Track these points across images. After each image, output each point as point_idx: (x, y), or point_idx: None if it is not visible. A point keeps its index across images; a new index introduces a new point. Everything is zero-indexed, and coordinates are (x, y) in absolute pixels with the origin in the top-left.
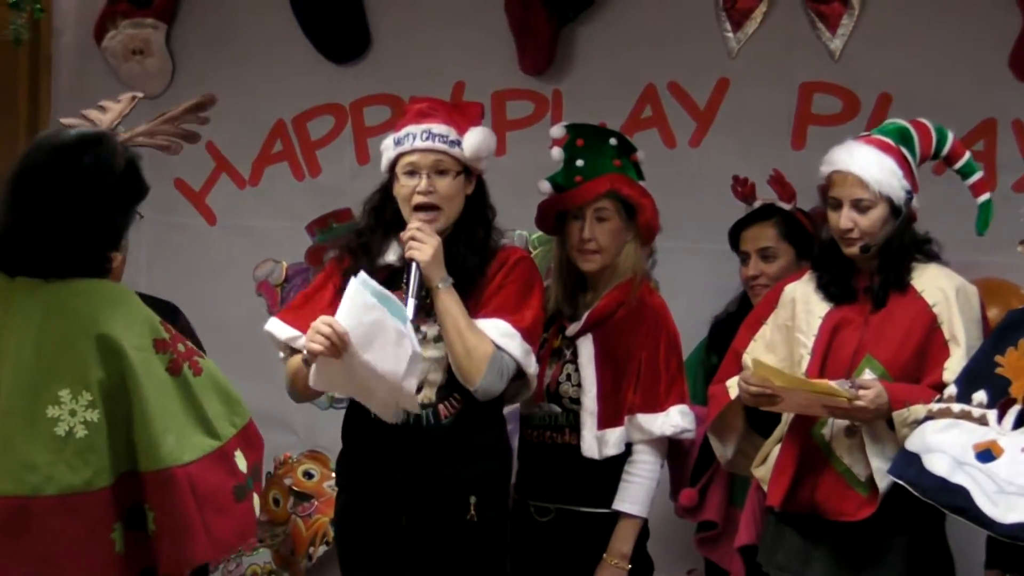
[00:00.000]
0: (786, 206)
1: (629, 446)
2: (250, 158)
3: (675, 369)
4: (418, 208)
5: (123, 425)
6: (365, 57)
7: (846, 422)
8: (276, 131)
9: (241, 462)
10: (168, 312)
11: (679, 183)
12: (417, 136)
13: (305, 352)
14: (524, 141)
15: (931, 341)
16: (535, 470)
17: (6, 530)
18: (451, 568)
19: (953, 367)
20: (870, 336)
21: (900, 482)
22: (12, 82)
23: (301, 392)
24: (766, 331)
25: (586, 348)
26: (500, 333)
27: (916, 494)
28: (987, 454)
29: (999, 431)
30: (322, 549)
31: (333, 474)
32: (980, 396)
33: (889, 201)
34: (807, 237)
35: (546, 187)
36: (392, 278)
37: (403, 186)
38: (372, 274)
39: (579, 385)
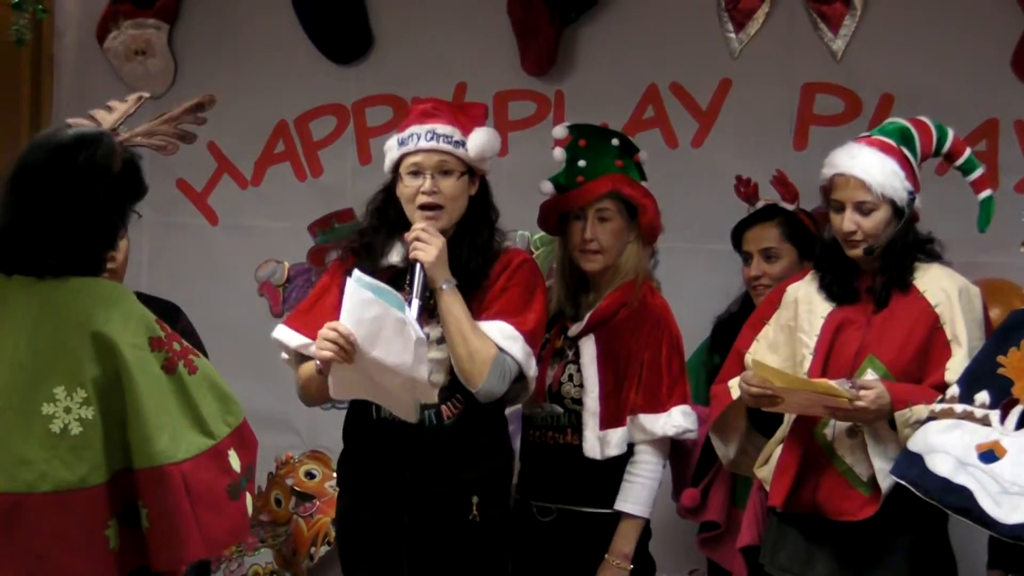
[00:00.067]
0: (789, 206)
1: (631, 446)
2: (252, 158)
3: (677, 369)
4: (422, 208)
5: (118, 422)
6: (367, 57)
7: (848, 422)
8: (278, 131)
9: (235, 461)
10: (169, 312)
11: (681, 183)
12: (422, 136)
13: (318, 362)
14: (526, 142)
15: (933, 341)
16: (537, 470)
17: (1, 526)
18: (453, 568)
19: (955, 367)
20: (872, 336)
21: (903, 483)
22: (15, 82)
23: (314, 397)
24: (769, 331)
25: (588, 348)
26: (503, 335)
27: (919, 495)
28: (990, 455)
29: (1002, 431)
30: (324, 549)
31: (335, 474)
32: (983, 396)
33: (892, 203)
34: (809, 237)
35: (548, 187)
36: (395, 279)
37: (407, 186)
38: (375, 275)
39: (581, 385)
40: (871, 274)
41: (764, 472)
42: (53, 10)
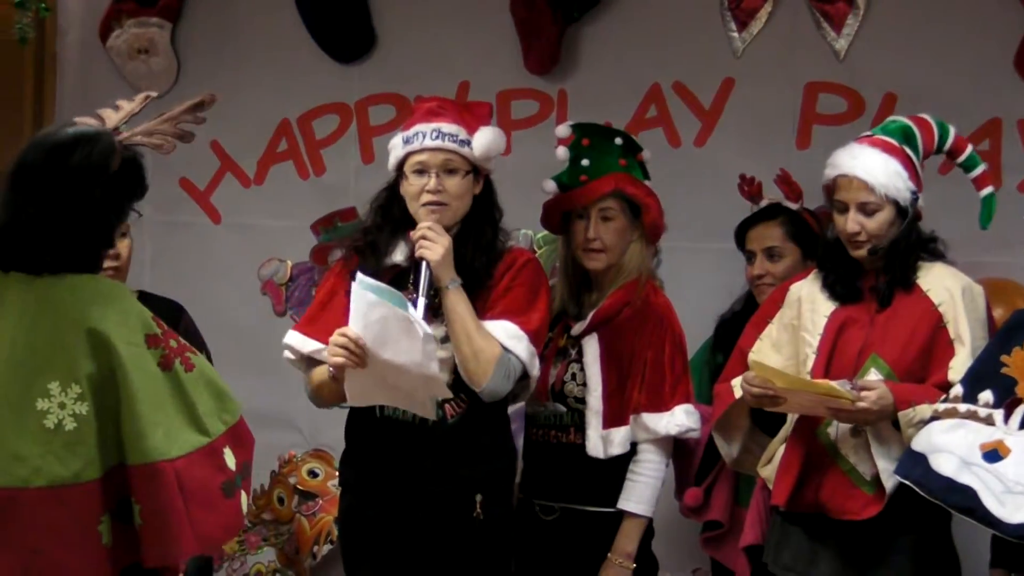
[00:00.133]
0: (792, 205)
1: (634, 445)
2: (255, 157)
3: (680, 368)
4: (426, 206)
5: (113, 418)
6: (370, 56)
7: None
8: (281, 130)
9: (230, 459)
10: (172, 311)
11: (684, 182)
12: (427, 135)
13: (331, 369)
14: (529, 141)
15: (936, 340)
16: (540, 469)
17: None
18: (456, 567)
19: (958, 367)
20: (876, 335)
21: (907, 482)
22: (17, 81)
23: (326, 401)
24: (772, 330)
25: (591, 347)
26: (508, 335)
27: (923, 494)
28: (994, 454)
29: (1006, 431)
30: (326, 548)
31: (337, 473)
32: (986, 396)
33: (895, 203)
34: (813, 237)
35: (551, 186)
36: (399, 278)
37: (412, 184)
38: (379, 274)
39: (584, 384)
40: (874, 273)
41: (767, 471)
42: (56, 8)
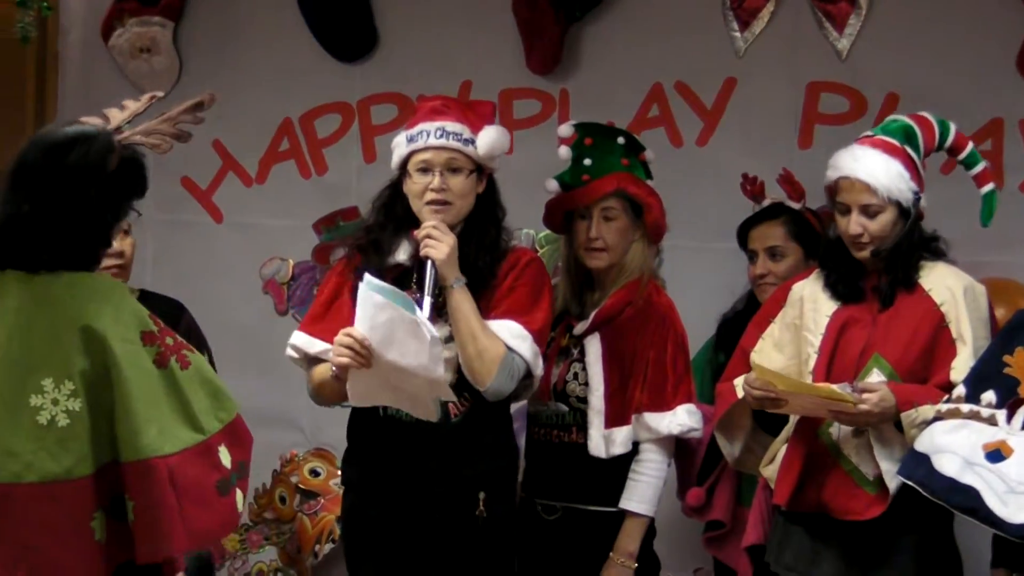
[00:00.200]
0: (795, 205)
1: (636, 445)
2: (257, 156)
3: (682, 368)
4: (429, 204)
5: (107, 415)
6: (372, 56)
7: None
8: (283, 129)
9: (225, 457)
10: (173, 310)
11: (686, 182)
12: (431, 133)
13: (334, 368)
14: (531, 140)
15: (938, 340)
16: (542, 468)
17: None
18: (460, 565)
19: (960, 366)
20: (878, 335)
21: (910, 483)
22: (19, 80)
23: (327, 399)
24: (774, 329)
25: (593, 347)
26: (512, 334)
27: (926, 495)
28: (997, 454)
29: (1008, 431)
30: (328, 547)
31: (339, 472)
32: (989, 396)
33: (897, 204)
34: (815, 236)
35: (553, 186)
36: (402, 277)
37: (415, 183)
38: (382, 273)
39: (586, 384)
40: (876, 273)
41: (769, 471)
42: (58, 7)
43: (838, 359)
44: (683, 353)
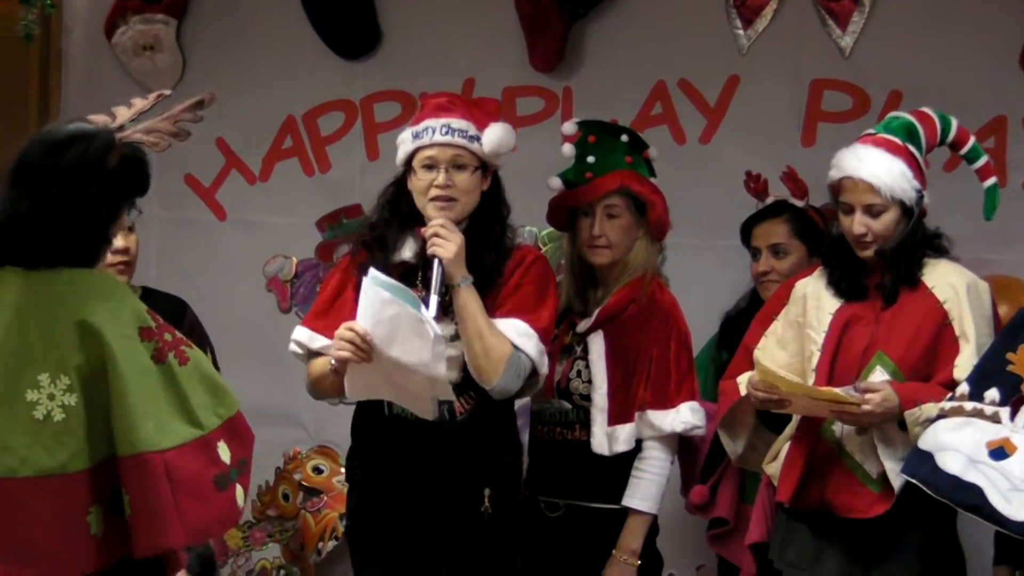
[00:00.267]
0: (798, 203)
1: (639, 442)
2: (260, 154)
3: (686, 366)
4: (434, 201)
5: (103, 410)
6: (375, 53)
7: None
8: (286, 127)
9: (224, 453)
10: (176, 307)
11: (689, 180)
12: (436, 130)
13: (333, 362)
14: (534, 138)
15: (941, 338)
16: (545, 466)
17: None
18: (465, 561)
19: (963, 364)
20: (881, 333)
21: (913, 481)
22: (23, 78)
23: (325, 393)
24: (777, 327)
25: (597, 344)
26: (518, 333)
27: (930, 493)
28: (1000, 452)
29: (1012, 428)
30: (331, 544)
31: (342, 469)
32: (992, 394)
33: (901, 203)
34: (818, 234)
35: (556, 183)
36: (407, 275)
37: (420, 179)
38: (388, 270)
39: (589, 381)
40: (880, 271)
41: (773, 468)
42: (61, 6)
43: (841, 357)
44: (686, 351)
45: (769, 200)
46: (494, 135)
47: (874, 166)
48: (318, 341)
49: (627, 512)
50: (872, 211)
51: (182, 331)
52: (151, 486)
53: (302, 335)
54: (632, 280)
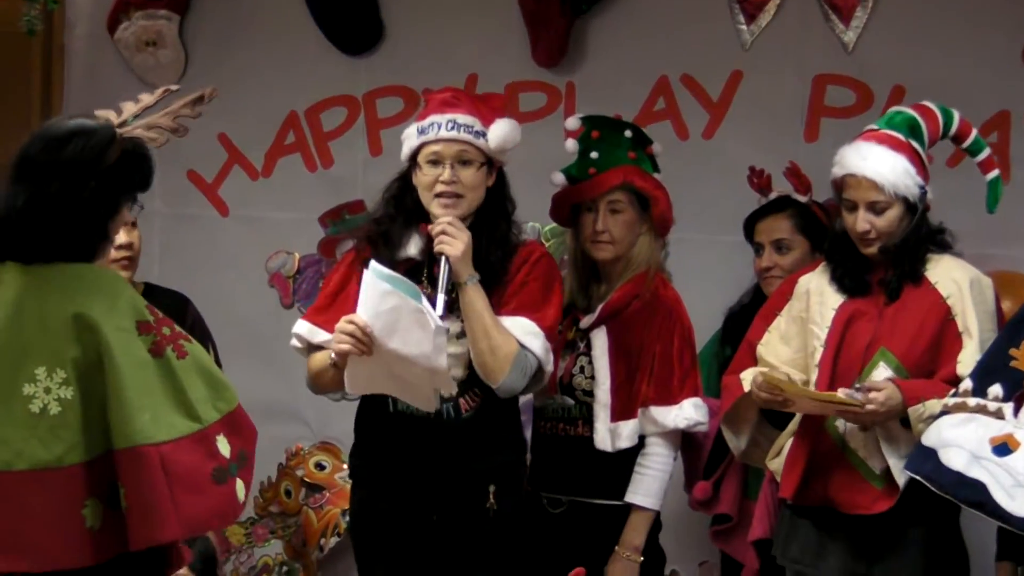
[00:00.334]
0: (801, 198)
1: (642, 439)
2: (263, 149)
3: (689, 362)
4: (439, 197)
5: (100, 403)
6: (378, 49)
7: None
8: (289, 122)
9: (224, 447)
10: (178, 303)
11: (692, 175)
12: (442, 125)
13: (333, 355)
14: (537, 133)
15: (945, 333)
16: (548, 462)
17: None
18: (471, 558)
19: (966, 360)
20: (884, 328)
21: (917, 477)
22: (25, 73)
23: (325, 387)
24: (780, 323)
25: (600, 340)
26: (524, 331)
27: (933, 489)
28: (1004, 448)
29: (1015, 424)
30: (334, 540)
31: (345, 465)
32: (995, 390)
33: (904, 200)
34: (822, 229)
35: (560, 179)
36: (413, 271)
37: (426, 175)
38: (393, 266)
39: (592, 377)
40: (883, 266)
41: (776, 464)
42: (64, 1)
43: (844, 352)
44: (689, 347)
45: (772, 195)
46: (500, 131)
47: (877, 163)
48: (319, 335)
49: (630, 508)
50: (876, 208)
51: (184, 327)
52: (146, 479)
53: (303, 329)
54: (635, 276)
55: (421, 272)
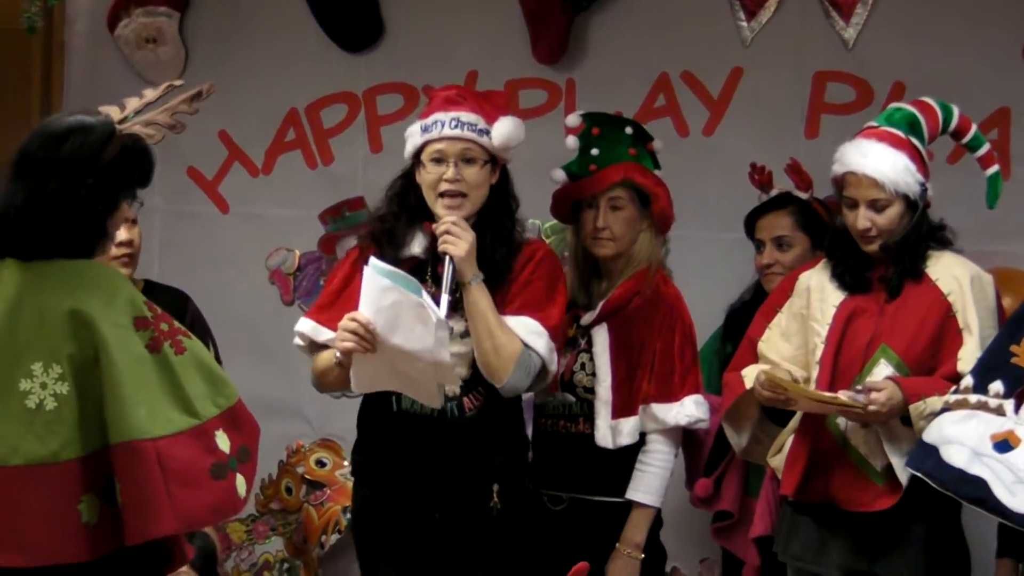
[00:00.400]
0: (802, 195)
1: (643, 436)
2: (263, 146)
3: (690, 359)
4: (443, 195)
5: (96, 399)
6: (378, 45)
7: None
8: (289, 119)
9: (223, 442)
10: (178, 300)
11: (692, 172)
12: (446, 123)
13: (338, 354)
14: (538, 130)
15: (945, 330)
16: (549, 459)
17: None
18: (474, 556)
19: (966, 357)
20: (885, 326)
21: (918, 474)
22: (25, 70)
23: (330, 386)
24: (781, 319)
25: (601, 337)
26: (528, 331)
27: (934, 486)
28: (1005, 444)
29: (1016, 421)
30: (334, 537)
31: (346, 463)
32: (996, 386)
33: (905, 197)
34: (822, 226)
35: (560, 176)
36: (416, 270)
37: (429, 173)
38: (397, 265)
39: (593, 374)
40: (884, 263)
41: (777, 461)
42: None
43: (845, 349)
44: (690, 344)
45: (773, 192)
46: (504, 129)
47: (877, 161)
48: (323, 334)
49: (631, 505)
50: (876, 206)
51: (184, 324)
52: (142, 474)
53: (306, 327)
54: (636, 273)
55: (425, 271)
